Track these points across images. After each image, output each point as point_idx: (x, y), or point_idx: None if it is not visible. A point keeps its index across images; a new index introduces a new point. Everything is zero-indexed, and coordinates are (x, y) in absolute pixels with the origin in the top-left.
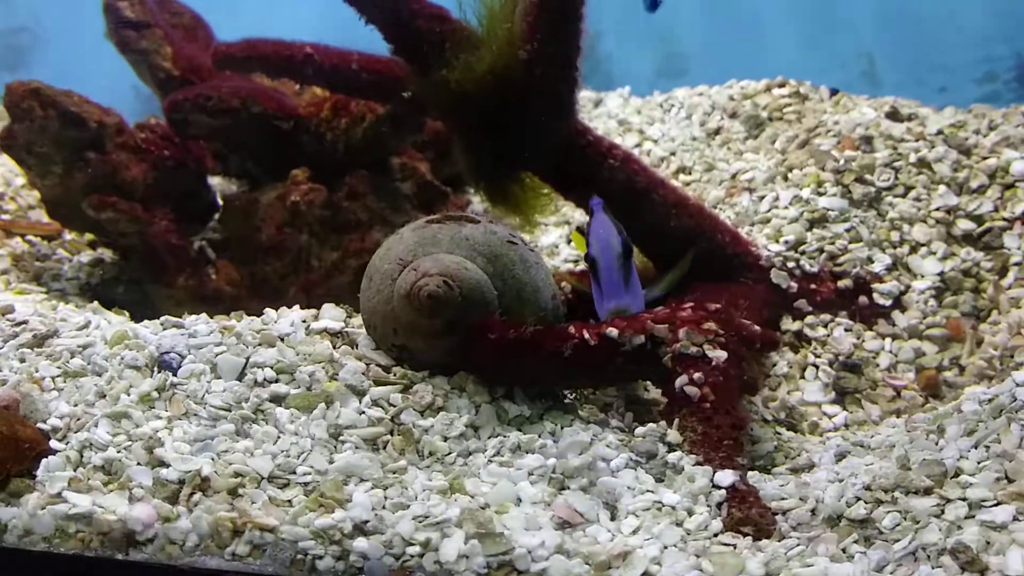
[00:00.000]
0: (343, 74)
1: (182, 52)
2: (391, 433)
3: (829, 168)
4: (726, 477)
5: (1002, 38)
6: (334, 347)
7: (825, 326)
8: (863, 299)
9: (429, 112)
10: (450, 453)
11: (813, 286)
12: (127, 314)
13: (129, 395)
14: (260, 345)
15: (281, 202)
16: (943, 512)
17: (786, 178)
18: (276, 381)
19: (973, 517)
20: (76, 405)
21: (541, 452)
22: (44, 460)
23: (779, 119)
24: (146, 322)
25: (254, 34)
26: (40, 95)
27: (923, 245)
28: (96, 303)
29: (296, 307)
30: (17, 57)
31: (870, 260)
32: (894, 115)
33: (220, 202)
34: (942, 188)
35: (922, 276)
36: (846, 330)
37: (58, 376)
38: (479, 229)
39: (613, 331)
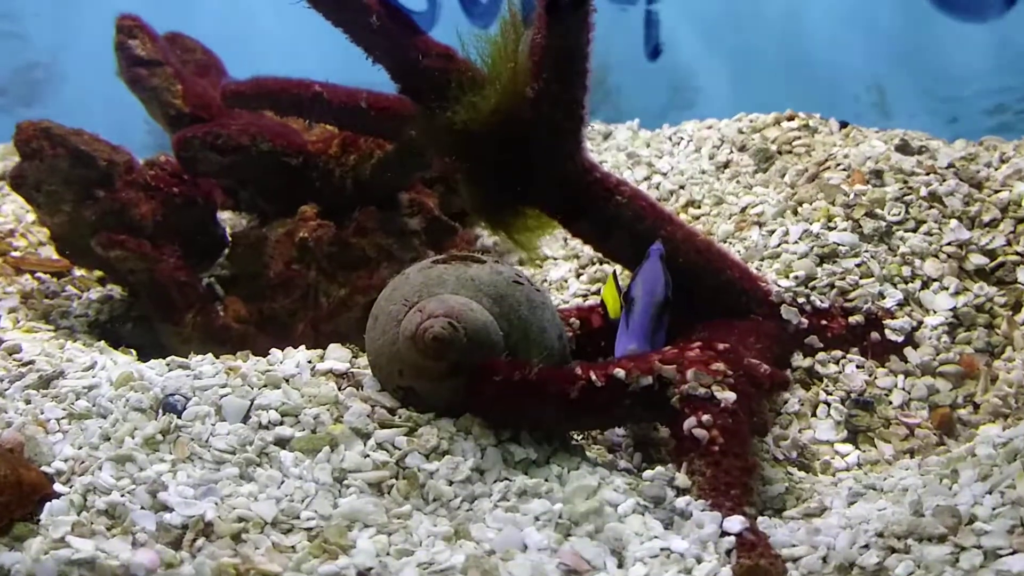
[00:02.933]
0: (352, 112)
1: (192, 89)
2: (396, 477)
3: (839, 202)
4: (735, 524)
5: (1012, 69)
6: (339, 388)
7: (836, 363)
8: (875, 335)
9: (434, 151)
10: (455, 497)
11: (824, 322)
12: (134, 353)
13: (134, 438)
14: (265, 386)
15: (290, 238)
16: (957, 560)
17: (796, 212)
18: (281, 424)
19: (987, 567)
20: (80, 448)
21: (547, 497)
22: (48, 504)
23: (788, 152)
24: (152, 362)
25: (265, 71)
26: (50, 134)
27: (935, 280)
28: (103, 342)
29: (302, 347)
30: (32, 92)
31: (881, 296)
32: (904, 148)
33: (230, 237)
34: (953, 222)
35: (934, 312)
36: (858, 367)
37: (63, 418)
38: (485, 269)
39: (620, 372)
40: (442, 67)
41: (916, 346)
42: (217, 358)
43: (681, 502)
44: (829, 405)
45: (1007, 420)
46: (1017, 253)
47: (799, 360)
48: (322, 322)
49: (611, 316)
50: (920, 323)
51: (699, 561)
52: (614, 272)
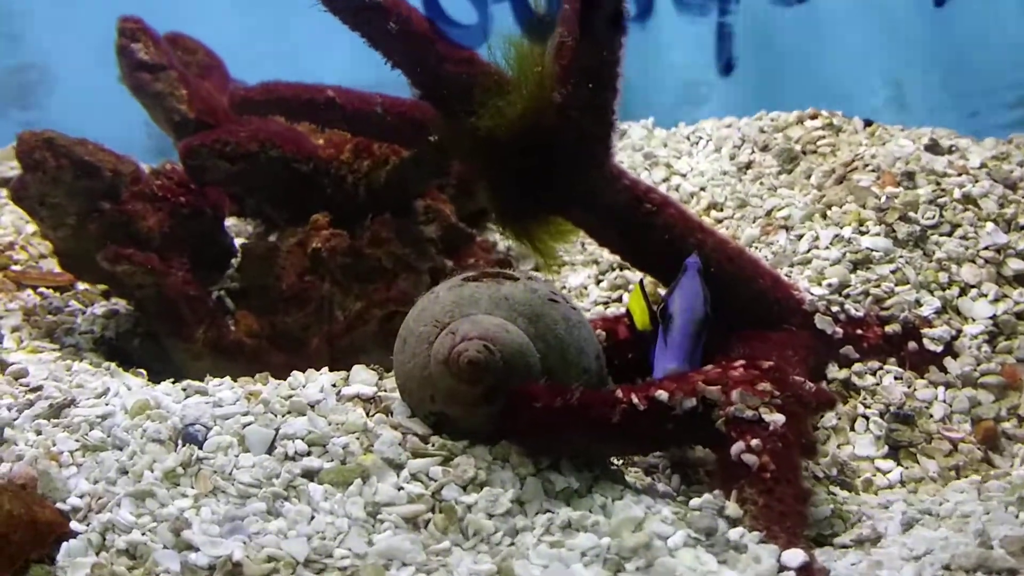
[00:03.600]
0: (366, 117)
1: (197, 94)
2: (432, 510)
3: (870, 206)
4: (795, 557)
5: None
6: (367, 414)
7: (873, 374)
8: (912, 345)
9: (456, 158)
10: (496, 532)
11: (859, 331)
12: (144, 374)
13: (153, 471)
14: (289, 413)
15: (302, 249)
16: None
17: (825, 216)
18: (308, 454)
19: None
20: (97, 483)
21: (593, 530)
22: (65, 544)
23: (813, 152)
24: (167, 387)
25: (267, 75)
26: (53, 145)
27: (973, 287)
28: (113, 365)
29: (325, 370)
30: (26, 93)
31: (918, 303)
32: (934, 148)
33: (237, 246)
34: (989, 225)
35: (973, 320)
36: (896, 378)
37: (76, 450)
38: (519, 287)
39: (663, 394)
40: (465, 72)
41: (956, 356)
42: (235, 380)
43: (734, 534)
44: (868, 419)
45: None
46: None
47: (834, 372)
48: (337, 337)
49: (638, 327)
50: (959, 332)
51: None
52: (641, 281)
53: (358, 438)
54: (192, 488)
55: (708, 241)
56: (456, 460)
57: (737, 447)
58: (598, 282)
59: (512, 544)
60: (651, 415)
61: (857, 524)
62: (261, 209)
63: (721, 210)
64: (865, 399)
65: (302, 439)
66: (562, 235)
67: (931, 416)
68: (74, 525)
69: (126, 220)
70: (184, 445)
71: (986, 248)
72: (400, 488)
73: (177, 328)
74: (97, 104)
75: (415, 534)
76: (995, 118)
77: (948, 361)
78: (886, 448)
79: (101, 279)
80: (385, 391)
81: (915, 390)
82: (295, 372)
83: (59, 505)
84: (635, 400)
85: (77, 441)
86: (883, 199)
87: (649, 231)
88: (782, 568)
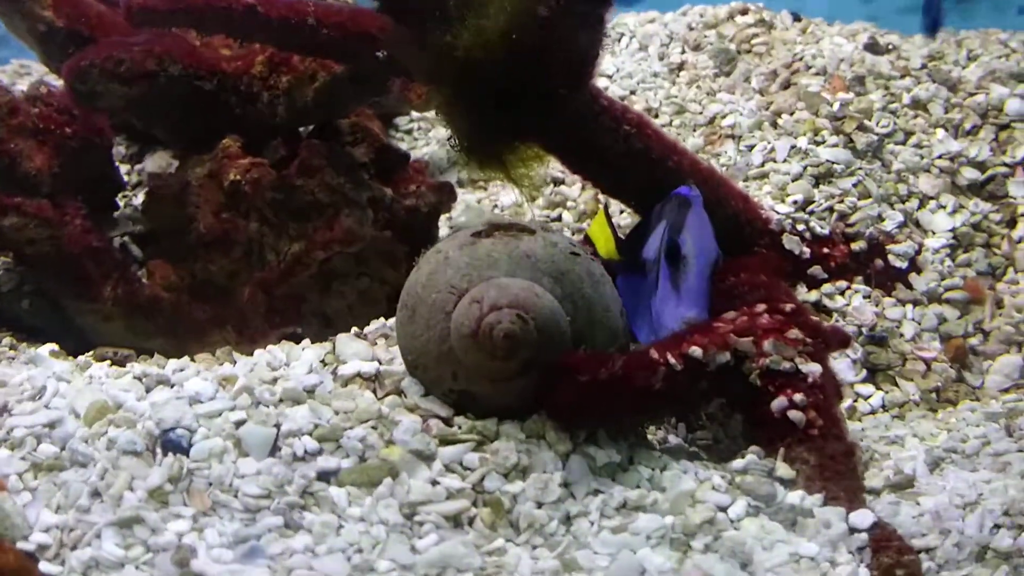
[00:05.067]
0: (296, 29)
1: None
2: (476, 504)
3: (824, 113)
4: (865, 518)
5: None
6: (377, 397)
7: (842, 294)
8: (879, 262)
9: (422, 80)
10: (550, 521)
11: (826, 250)
12: (58, 348)
13: (134, 491)
14: (282, 402)
15: (215, 182)
16: None
17: (775, 124)
18: (320, 452)
19: None
20: (65, 511)
21: (653, 509)
22: None
23: (747, 51)
24: (122, 380)
25: None
26: None
27: (932, 198)
28: (33, 350)
29: (306, 342)
30: None
31: (880, 218)
32: (874, 47)
33: (126, 178)
34: (940, 132)
35: (934, 233)
36: (865, 298)
37: (25, 472)
38: (538, 242)
39: (697, 350)
40: None
41: (919, 271)
42: (192, 360)
43: (794, 497)
44: None
45: (1021, 349)
46: (1005, 164)
47: (803, 293)
48: (273, 284)
49: (603, 256)
50: (921, 246)
51: (834, 564)
52: (606, 205)
53: (374, 427)
54: (187, 506)
55: (684, 163)
56: (495, 446)
57: (779, 403)
58: (529, 199)
59: (567, 533)
60: (687, 375)
61: (874, 462)
62: (151, 134)
63: (657, 116)
64: (838, 321)
65: (309, 435)
66: (531, 161)
67: (902, 336)
68: (45, 567)
69: (8, 162)
70: (166, 455)
71: (940, 157)
72: (435, 483)
73: (81, 287)
74: None
75: (463, 535)
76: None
77: (913, 277)
78: (865, 372)
79: None
80: (387, 365)
81: (884, 309)
82: (269, 348)
83: (21, 545)
84: (672, 361)
85: (24, 460)
86: (836, 106)
87: (629, 157)
88: (852, 530)
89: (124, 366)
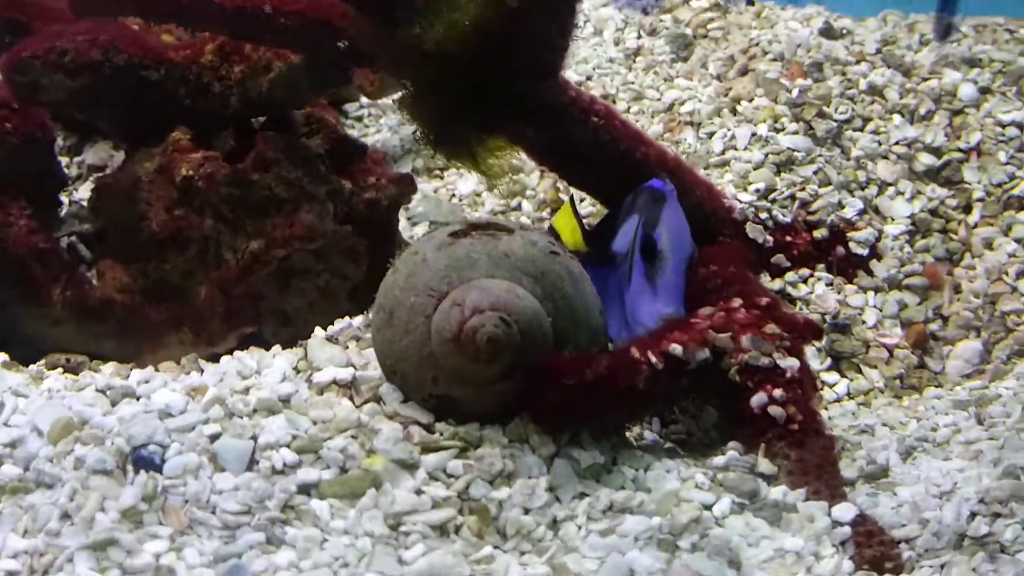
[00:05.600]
0: (252, 18)
1: None
2: (462, 513)
3: (783, 100)
4: (847, 512)
5: None
6: (355, 404)
7: (805, 282)
8: (840, 249)
9: (389, 72)
10: (537, 527)
11: (789, 238)
12: (8, 358)
13: (106, 512)
14: (257, 412)
15: (165, 176)
16: None
17: (735, 111)
18: (299, 465)
19: None
20: (33, 535)
21: (640, 511)
22: None
23: (704, 36)
24: (85, 393)
25: None
26: None
27: (890, 184)
28: None
29: (277, 348)
30: None
31: (841, 205)
32: (828, 32)
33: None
34: (897, 118)
35: (893, 220)
36: (827, 285)
37: None
38: (517, 241)
39: (676, 348)
40: None
41: (880, 258)
42: (155, 369)
43: (777, 493)
44: None
45: (980, 335)
46: (959, 150)
47: (767, 282)
48: (231, 284)
49: (569, 248)
50: (881, 232)
51: (818, 558)
52: (571, 196)
53: (354, 436)
54: (163, 526)
55: (651, 154)
56: (479, 452)
57: (759, 399)
58: (491, 188)
59: (555, 537)
60: (668, 373)
61: (846, 452)
62: (91, 124)
63: (614, 102)
64: (801, 310)
65: (287, 447)
66: (501, 152)
67: (864, 323)
68: None
69: None
70: (138, 473)
71: (897, 143)
72: (420, 492)
73: (28, 291)
74: None
75: (450, 544)
76: None
77: (874, 264)
78: (829, 360)
79: None
80: (361, 370)
81: (846, 297)
82: (237, 355)
83: None
84: (653, 359)
85: None
86: (795, 93)
87: (598, 148)
88: (835, 524)
89: (77, 373)
